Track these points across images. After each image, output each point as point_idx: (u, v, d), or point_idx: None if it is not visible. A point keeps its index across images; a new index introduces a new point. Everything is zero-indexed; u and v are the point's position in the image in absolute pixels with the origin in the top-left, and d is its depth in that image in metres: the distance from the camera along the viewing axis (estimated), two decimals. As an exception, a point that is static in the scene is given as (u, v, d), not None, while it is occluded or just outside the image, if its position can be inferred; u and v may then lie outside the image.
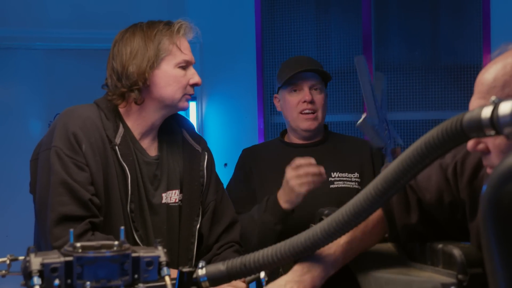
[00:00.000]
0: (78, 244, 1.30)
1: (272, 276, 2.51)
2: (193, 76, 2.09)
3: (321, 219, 1.97)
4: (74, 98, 4.30)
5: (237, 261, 1.39)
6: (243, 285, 1.96)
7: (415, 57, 4.04)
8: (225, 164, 4.27)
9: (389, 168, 1.17)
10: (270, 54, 4.29)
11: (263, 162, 2.64)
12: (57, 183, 1.89)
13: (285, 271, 1.90)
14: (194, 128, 2.26)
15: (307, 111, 2.59)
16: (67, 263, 1.26)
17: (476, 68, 3.85)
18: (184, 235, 2.10)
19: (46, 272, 1.24)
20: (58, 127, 1.95)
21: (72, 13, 4.31)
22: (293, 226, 2.21)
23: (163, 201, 2.08)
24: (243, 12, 4.34)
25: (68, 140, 1.92)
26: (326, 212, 1.99)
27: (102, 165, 1.94)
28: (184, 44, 2.09)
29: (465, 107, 3.85)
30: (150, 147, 2.10)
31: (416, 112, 4.01)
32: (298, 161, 2.31)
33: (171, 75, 2.04)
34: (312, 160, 2.32)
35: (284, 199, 2.35)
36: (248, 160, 2.67)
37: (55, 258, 1.26)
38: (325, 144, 2.66)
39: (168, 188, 2.10)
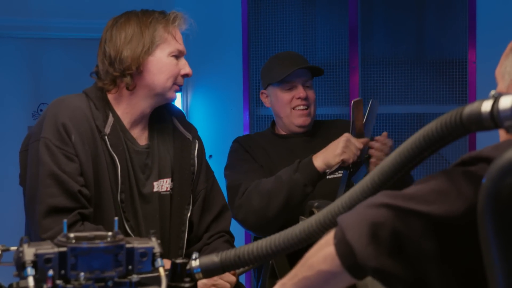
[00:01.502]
0: (72, 235, 1.29)
1: (263, 268, 2.53)
2: (184, 66, 2.10)
3: (311, 212, 1.99)
4: (58, 88, 4.29)
5: (231, 253, 1.39)
6: (233, 278, 1.98)
7: (401, 51, 4.05)
8: (210, 156, 4.26)
9: (387, 161, 1.17)
10: (256, 46, 4.27)
11: (256, 150, 2.65)
12: (45, 175, 1.88)
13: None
14: (184, 116, 2.26)
15: (301, 107, 2.60)
16: (61, 254, 1.25)
17: (462, 63, 3.87)
18: (175, 223, 2.10)
19: (39, 263, 1.23)
20: (48, 118, 1.94)
21: (57, 2, 4.26)
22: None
23: (155, 189, 2.09)
24: (229, 3, 4.32)
25: (58, 130, 1.90)
26: (316, 204, 2.00)
27: (92, 155, 1.93)
28: (178, 34, 2.10)
29: (450, 101, 3.89)
30: (141, 136, 2.10)
31: (401, 105, 4.03)
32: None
33: (164, 63, 2.05)
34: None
35: (322, 159, 2.35)
36: (246, 144, 2.68)
37: (48, 248, 1.25)
38: (316, 135, 2.67)
39: (160, 177, 2.10)
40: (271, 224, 2.40)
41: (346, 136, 2.37)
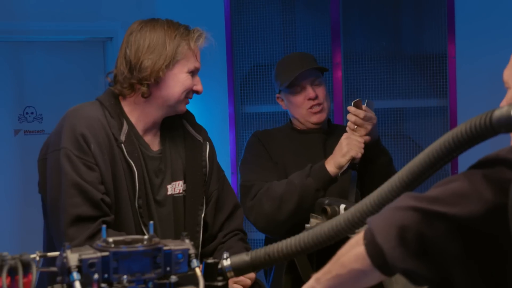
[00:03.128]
0: (110, 239, 1.34)
1: (278, 269, 2.59)
2: (197, 83, 2.16)
3: (323, 209, 2.06)
4: (43, 91, 4.31)
5: (261, 251, 1.45)
6: (253, 274, 2.05)
7: (381, 47, 4.13)
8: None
9: (415, 161, 1.24)
10: (240, 43, 4.32)
11: (273, 145, 2.71)
12: (68, 185, 1.92)
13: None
14: (194, 118, 2.31)
15: (314, 107, 2.67)
16: (103, 258, 1.30)
17: (441, 57, 3.97)
18: (189, 225, 2.15)
19: (84, 268, 1.28)
20: (66, 128, 1.97)
21: (39, 5, 4.26)
22: None
23: (169, 192, 2.14)
24: (212, 2, 4.36)
25: (77, 141, 1.94)
26: (326, 202, 2.07)
27: (110, 163, 1.98)
28: (198, 52, 2.15)
29: (430, 95, 3.99)
30: (153, 142, 2.15)
31: (383, 100, 4.11)
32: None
33: (181, 79, 2.10)
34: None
35: (333, 163, 2.45)
36: (264, 138, 2.74)
37: (91, 253, 1.29)
38: (332, 135, 2.73)
39: (173, 180, 2.16)
40: (281, 227, 2.49)
41: (345, 135, 2.46)
